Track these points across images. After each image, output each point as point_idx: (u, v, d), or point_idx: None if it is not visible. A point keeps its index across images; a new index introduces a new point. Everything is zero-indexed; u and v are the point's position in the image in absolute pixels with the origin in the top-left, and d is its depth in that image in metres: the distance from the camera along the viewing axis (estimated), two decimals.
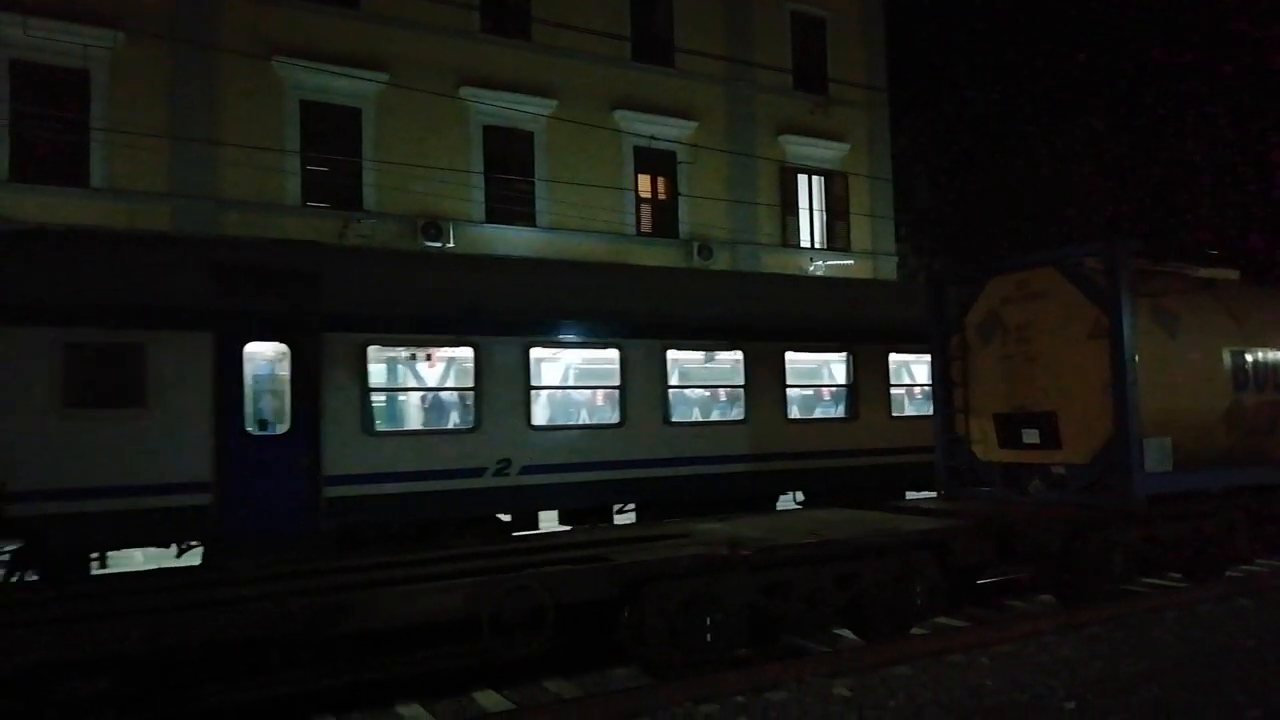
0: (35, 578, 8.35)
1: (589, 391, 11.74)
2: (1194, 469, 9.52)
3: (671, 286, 12.46)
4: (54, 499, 8.11)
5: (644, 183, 21.27)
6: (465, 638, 6.59)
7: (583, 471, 10.53)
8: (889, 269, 24.21)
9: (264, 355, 9.36)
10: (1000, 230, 28.04)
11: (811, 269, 22.15)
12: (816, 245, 23.14)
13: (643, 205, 21.23)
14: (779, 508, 12.21)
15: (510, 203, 19.44)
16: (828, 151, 23.41)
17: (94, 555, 9.08)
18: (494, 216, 19.17)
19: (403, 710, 6.72)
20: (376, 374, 9.90)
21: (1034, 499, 9.73)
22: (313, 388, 9.25)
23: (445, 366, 10.80)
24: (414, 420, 10.71)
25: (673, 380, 11.38)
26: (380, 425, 9.84)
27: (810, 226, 23.28)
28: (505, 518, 10.55)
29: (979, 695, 6.18)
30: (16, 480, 8.00)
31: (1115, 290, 8.99)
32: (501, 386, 10.16)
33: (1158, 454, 9.08)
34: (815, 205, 23.37)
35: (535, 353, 10.54)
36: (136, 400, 8.55)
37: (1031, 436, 9.77)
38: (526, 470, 10.22)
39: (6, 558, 8.38)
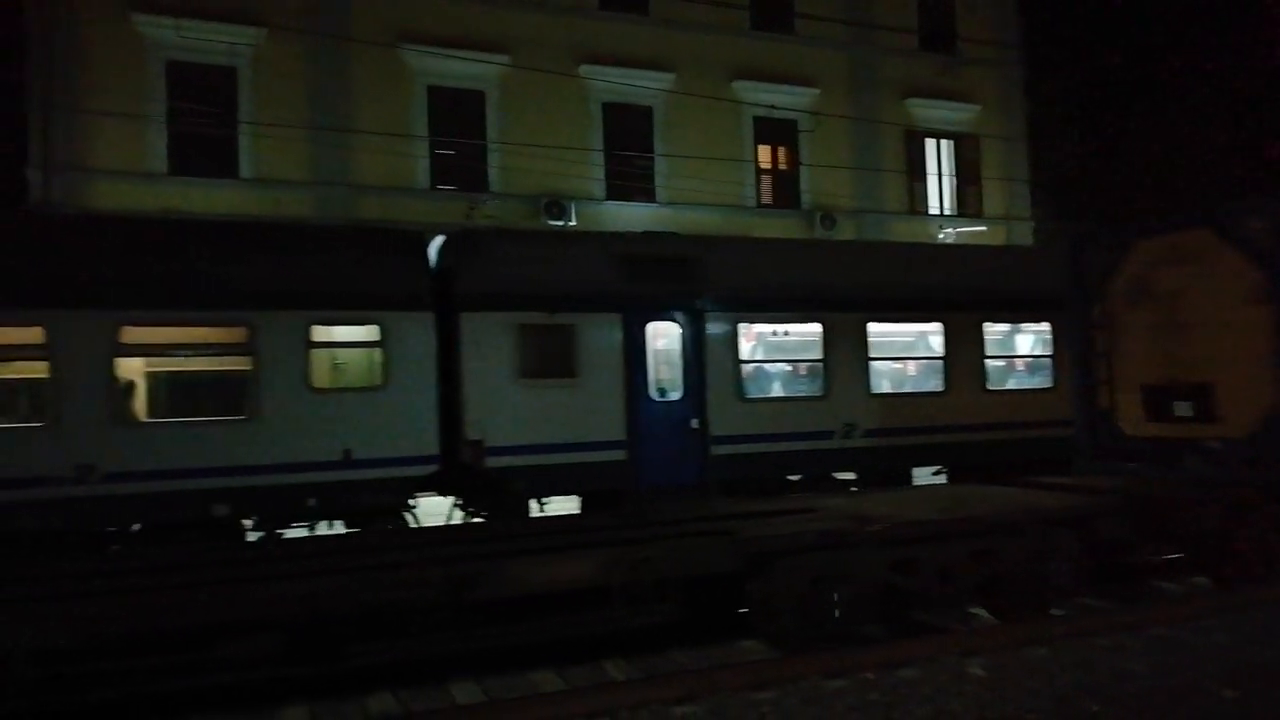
0: (483, 518, 10.22)
1: (916, 362, 12.54)
2: None
3: (985, 264, 13.27)
4: (513, 454, 9.81)
5: (764, 153, 20.95)
6: (596, 607, 6.75)
7: (912, 435, 11.62)
8: (1024, 234, 23.11)
9: (661, 332, 10.83)
10: (1147, 190, 26.27)
11: (941, 236, 21.37)
12: (946, 211, 22.30)
13: (763, 176, 20.93)
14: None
15: (630, 179, 19.54)
16: (957, 113, 22.45)
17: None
18: (614, 193, 19.32)
19: (536, 676, 6.95)
20: (746, 348, 11.22)
21: (1187, 476, 9.16)
22: (699, 360, 10.73)
23: (799, 340, 11.84)
24: (775, 388, 11.74)
25: (989, 351, 12.29)
26: (750, 393, 11.09)
27: (939, 192, 22.45)
28: (841, 476, 11.57)
29: (1126, 680, 5.89)
30: (489, 438, 9.72)
31: None
32: (845, 358, 11.42)
33: None
34: (944, 170, 22.50)
35: (871, 328, 11.64)
36: (569, 372, 10.19)
37: (1184, 409, 9.19)
38: (868, 434, 11.41)
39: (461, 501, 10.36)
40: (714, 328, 10.79)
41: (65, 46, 15.93)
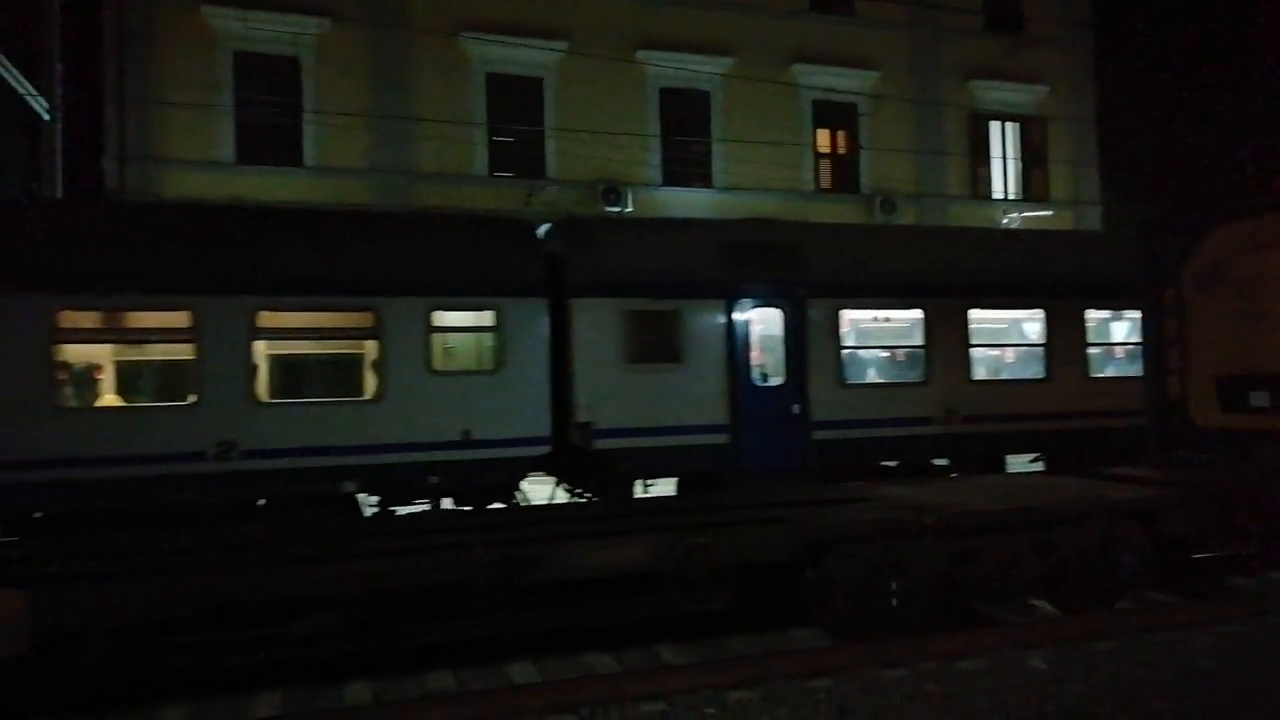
0: (593, 497, 10.53)
1: (1017, 348, 12.46)
2: None
3: (1086, 250, 13.10)
4: (620, 436, 10.03)
5: (823, 137, 20.69)
6: (650, 592, 6.78)
7: (1014, 422, 11.52)
8: (1093, 219, 22.45)
9: (763, 318, 10.93)
10: (1225, 174, 25.28)
11: (1005, 221, 20.87)
12: (1010, 196, 21.77)
13: (822, 161, 20.67)
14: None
15: (687, 164, 19.45)
16: (1023, 95, 21.87)
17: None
18: (671, 179, 19.25)
19: (591, 659, 7.01)
20: (847, 333, 11.25)
21: (1263, 468, 8.83)
22: (800, 345, 10.84)
23: (901, 326, 11.86)
24: (875, 374, 11.81)
25: (1090, 338, 12.16)
26: (851, 378, 11.19)
27: (1004, 176, 21.92)
28: (938, 462, 11.59)
29: (1196, 677, 5.73)
30: (597, 420, 9.95)
31: None
32: (947, 344, 11.38)
33: None
34: (1009, 154, 21.95)
35: (973, 314, 11.60)
36: (673, 357, 10.38)
37: (1260, 400, 8.86)
38: (968, 419, 11.34)
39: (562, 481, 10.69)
40: (815, 313, 10.86)
41: (137, 39, 16.39)
